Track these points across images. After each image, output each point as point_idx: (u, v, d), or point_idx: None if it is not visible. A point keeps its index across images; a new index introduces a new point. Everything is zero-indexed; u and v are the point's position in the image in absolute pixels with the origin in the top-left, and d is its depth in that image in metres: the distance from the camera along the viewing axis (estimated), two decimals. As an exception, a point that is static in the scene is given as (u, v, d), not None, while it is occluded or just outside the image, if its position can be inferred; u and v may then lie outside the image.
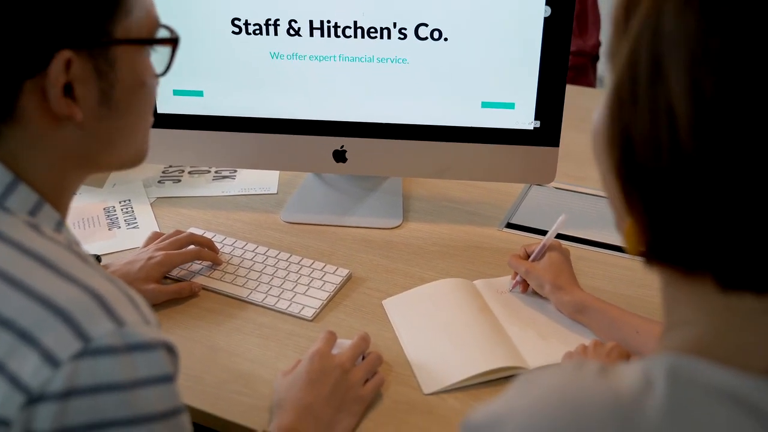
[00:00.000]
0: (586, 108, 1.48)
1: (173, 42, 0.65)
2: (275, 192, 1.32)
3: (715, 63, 0.40)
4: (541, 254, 1.01)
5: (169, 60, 0.66)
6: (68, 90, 0.58)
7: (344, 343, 0.89)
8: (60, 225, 0.62)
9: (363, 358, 0.88)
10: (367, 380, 0.86)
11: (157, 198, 1.29)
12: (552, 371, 0.49)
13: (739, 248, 0.43)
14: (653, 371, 0.46)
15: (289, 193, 1.31)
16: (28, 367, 0.51)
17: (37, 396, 0.51)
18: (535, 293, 1.03)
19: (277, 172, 1.37)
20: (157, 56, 0.66)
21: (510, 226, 1.21)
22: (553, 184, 1.25)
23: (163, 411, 0.55)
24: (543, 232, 1.19)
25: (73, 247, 0.60)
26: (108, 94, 0.61)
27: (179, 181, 1.35)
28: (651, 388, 0.45)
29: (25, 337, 0.52)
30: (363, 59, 1.12)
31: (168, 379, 0.56)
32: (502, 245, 1.16)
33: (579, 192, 1.31)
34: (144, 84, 0.64)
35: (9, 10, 0.54)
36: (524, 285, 1.03)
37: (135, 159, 0.69)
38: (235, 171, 1.38)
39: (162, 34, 0.65)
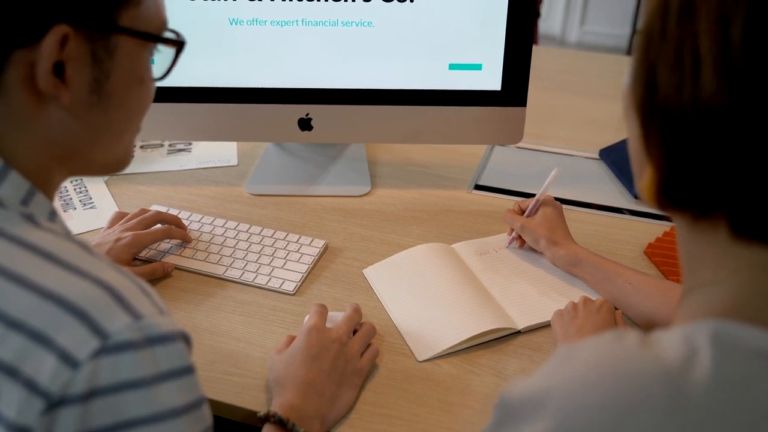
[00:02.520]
0: (536, 66, 1.50)
1: (179, 45, 0.61)
2: (236, 164, 1.27)
3: (746, 8, 0.41)
4: (535, 209, 1.02)
5: (171, 63, 0.62)
6: (59, 70, 0.54)
7: (335, 316, 0.88)
8: (53, 215, 0.58)
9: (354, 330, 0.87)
10: (362, 352, 0.85)
11: (112, 176, 1.23)
12: (591, 344, 0.49)
13: (753, 191, 0.45)
14: (696, 338, 0.46)
15: (251, 165, 1.27)
16: (46, 370, 0.48)
17: (58, 400, 0.48)
18: (523, 251, 1.04)
19: (235, 143, 1.32)
20: (158, 58, 0.62)
21: (478, 187, 1.21)
22: (508, 144, 1.26)
23: (187, 404, 0.53)
24: (512, 192, 1.20)
25: (72, 237, 0.56)
26: (100, 83, 0.56)
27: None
28: (696, 355, 0.45)
29: (38, 338, 0.48)
30: (327, 23, 1.08)
31: (189, 370, 0.54)
32: (474, 207, 1.17)
33: (541, 150, 1.33)
34: (141, 81, 0.60)
35: None
36: (521, 240, 1.04)
37: (118, 163, 0.64)
38: (190, 144, 1.32)
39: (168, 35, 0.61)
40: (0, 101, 0.53)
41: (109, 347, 0.49)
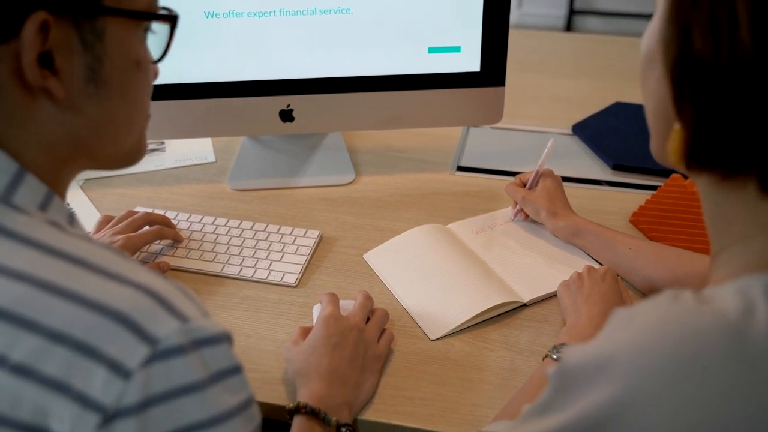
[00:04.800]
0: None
1: (171, 20, 0.59)
2: (213, 160, 1.25)
3: None
4: (536, 182, 1.04)
5: (167, 42, 0.60)
6: (47, 61, 0.51)
7: (345, 304, 0.88)
8: (72, 218, 0.56)
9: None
10: (378, 337, 0.85)
11: (86, 180, 1.19)
12: (649, 306, 0.50)
13: None
14: (751, 292, 0.49)
15: (229, 160, 1.25)
16: (97, 383, 0.46)
17: (113, 413, 0.46)
18: (518, 226, 1.06)
19: (209, 139, 1.30)
20: (154, 40, 0.60)
21: (461, 169, 1.23)
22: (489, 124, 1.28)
23: (239, 404, 0.52)
24: (495, 172, 1.22)
25: (100, 242, 0.54)
26: (95, 70, 0.54)
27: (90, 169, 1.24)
28: (754, 308, 0.47)
29: (84, 350, 0.46)
30: (305, 12, 1.08)
31: (238, 370, 0.52)
32: (460, 188, 1.18)
33: (515, 129, 1.35)
34: (139, 65, 0.57)
35: None
36: (525, 213, 1.06)
37: (130, 156, 0.62)
38: (163, 142, 1.29)
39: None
40: None
41: (159, 353, 0.47)
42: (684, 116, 0.51)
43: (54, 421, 0.46)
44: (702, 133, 0.50)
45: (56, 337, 0.46)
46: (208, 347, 0.50)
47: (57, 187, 0.56)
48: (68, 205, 0.58)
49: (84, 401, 0.45)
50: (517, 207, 1.06)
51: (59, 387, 0.46)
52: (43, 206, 0.53)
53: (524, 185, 1.05)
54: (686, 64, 0.49)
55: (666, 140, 0.55)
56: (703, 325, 0.47)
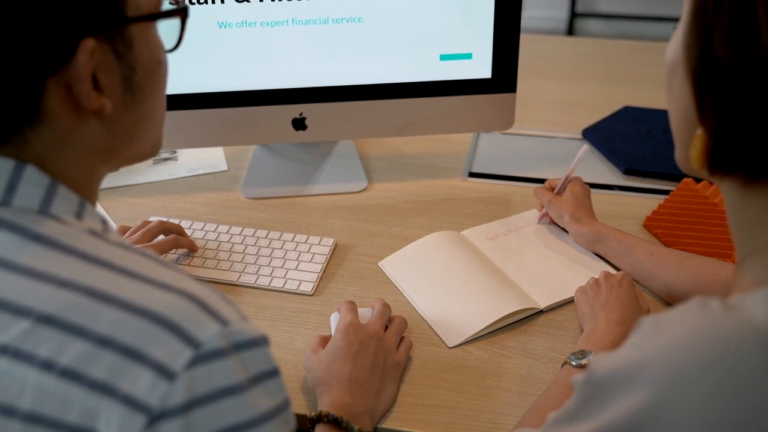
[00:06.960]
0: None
1: (182, 12, 0.61)
2: (226, 169, 1.26)
3: None
4: (564, 187, 1.05)
5: (180, 32, 0.62)
6: (94, 82, 0.53)
7: (362, 312, 0.88)
8: (106, 224, 0.57)
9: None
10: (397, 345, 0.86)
11: (100, 190, 1.19)
12: (678, 314, 0.50)
13: None
14: None
15: (242, 169, 1.25)
16: (143, 385, 0.47)
17: (158, 414, 0.47)
18: (531, 232, 1.07)
19: (221, 147, 1.30)
20: (163, 30, 0.62)
21: (473, 175, 1.23)
22: (500, 130, 1.28)
23: (276, 406, 0.53)
24: (506, 177, 1.23)
25: (135, 248, 0.55)
26: (131, 79, 0.56)
27: (117, 169, 1.25)
28: None
29: (131, 354, 0.47)
30: (317, 21, 1.08)
31: (276, 372, 0.54)
32: (472, 194, 1.18)
33: (524, 135, 1.35)
34: (160, 62, 0.60)
35: (25, 4, 0.48)
36: (551, 216, 1.07)
37: (153, 149, 0.64)
38: (175, 152, 1.30)
39: (166, 7, 0.61)
40: (40, 127, 0.52)
41: (202, 356, 0.48)
42: (706, 120, 0.52)
43: (102, 423, 0.47)
44: (724, 136, 0.51)
45: (103, 342, 0.48)
46: (248, 350, 0.51)
47: (89, 194, 0.58)
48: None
49: (131, 403, 0.47)
50: (543, 210, 1.07)
51: (107, 390, 0.47)
52: (79, 215, 0.55)
53: (552, 189, 1.06)
54: (708, 68, 0.50)
55: (689, 148, 0.56)
56: (732, 333, 0.48)
